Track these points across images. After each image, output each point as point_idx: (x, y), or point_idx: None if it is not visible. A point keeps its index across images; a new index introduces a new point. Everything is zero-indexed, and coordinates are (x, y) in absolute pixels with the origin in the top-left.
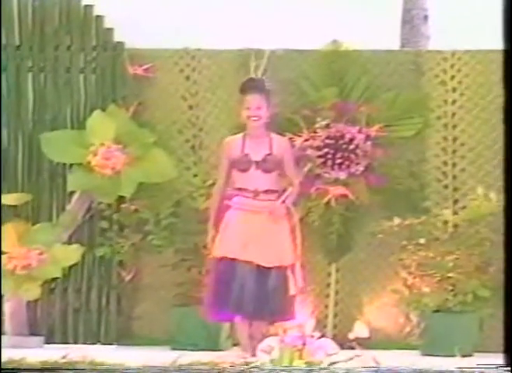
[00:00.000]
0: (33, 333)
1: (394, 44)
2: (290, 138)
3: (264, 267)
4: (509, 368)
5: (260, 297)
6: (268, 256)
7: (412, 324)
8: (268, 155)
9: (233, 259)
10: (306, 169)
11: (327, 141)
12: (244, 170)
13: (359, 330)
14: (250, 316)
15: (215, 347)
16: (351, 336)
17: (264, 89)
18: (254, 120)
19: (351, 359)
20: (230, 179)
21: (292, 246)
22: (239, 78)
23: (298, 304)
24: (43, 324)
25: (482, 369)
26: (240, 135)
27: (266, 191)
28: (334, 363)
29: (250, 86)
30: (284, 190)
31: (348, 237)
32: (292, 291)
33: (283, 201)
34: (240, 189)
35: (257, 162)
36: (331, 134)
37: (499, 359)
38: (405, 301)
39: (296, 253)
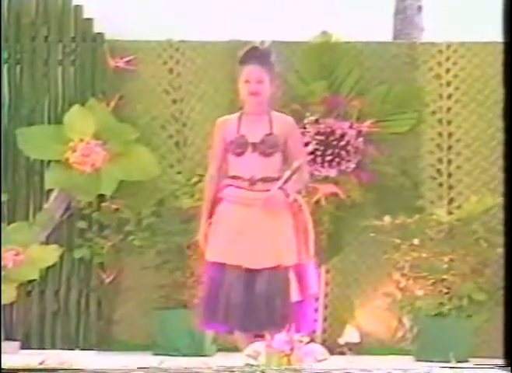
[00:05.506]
0: (8, 338)
1: (387, 36)
2: None
3: (253, 270)
4: (509, 368)
5: (249, 306)
6: (258, 256)
7: (404, 328)
8: (268, 135)
9: (223, 264)
10: (310, 147)
11: (317, 137)
12: (239, 154)
13: (350, 335)
14: (239, 328)
15: (199, 353)
16: (341, 341)
17: (267, 61)
18: (254, 96)
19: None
20: (225, 165)
21: (300, 243)
22: (224, 71)
23: (306, 313)
24: (19, 328)
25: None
26: (236, 115)
27: (264, 179)
28: None
29: (251, 56)
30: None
31: (338, 237)
32: (294, 296)
33: (280, 187)
34: (233, 177)
35: (253, 144)
36: (321, 129)
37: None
38: (397, 304)
39: (307, 252)
